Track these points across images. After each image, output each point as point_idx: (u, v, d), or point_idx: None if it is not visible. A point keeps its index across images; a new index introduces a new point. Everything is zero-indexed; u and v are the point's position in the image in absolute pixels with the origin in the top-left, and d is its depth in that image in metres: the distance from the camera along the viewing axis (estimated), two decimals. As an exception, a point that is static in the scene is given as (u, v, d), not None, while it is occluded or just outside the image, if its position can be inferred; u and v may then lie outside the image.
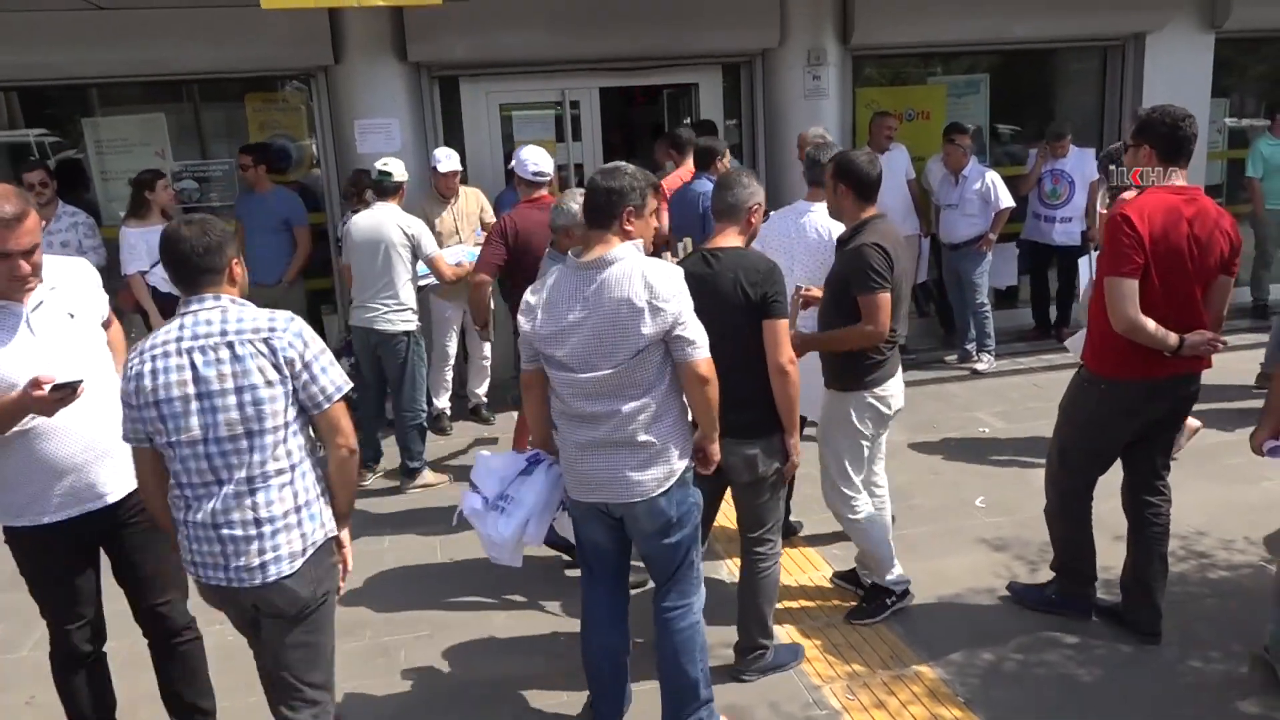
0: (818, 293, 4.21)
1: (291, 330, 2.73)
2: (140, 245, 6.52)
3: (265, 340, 2.69)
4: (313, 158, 7.83)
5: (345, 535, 2.97)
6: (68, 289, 3.07)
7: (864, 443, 4.05)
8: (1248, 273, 9.06)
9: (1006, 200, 7.61)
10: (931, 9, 7.89)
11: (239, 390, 2.66)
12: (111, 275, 7.10)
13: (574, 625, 4.29)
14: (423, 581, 4.77)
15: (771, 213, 4.87)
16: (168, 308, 6.69)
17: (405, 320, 5.79)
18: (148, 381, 2.68)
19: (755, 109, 8.28)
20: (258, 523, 2.73)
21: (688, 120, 8.73)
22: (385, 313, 5.73)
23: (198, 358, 2.67)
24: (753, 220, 3.64)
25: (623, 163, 3.25)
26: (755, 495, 3.68)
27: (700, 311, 3.50)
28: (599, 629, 3.44)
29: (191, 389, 2.66)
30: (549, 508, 3.47)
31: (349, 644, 4.25)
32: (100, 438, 3.03)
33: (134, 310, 6.78)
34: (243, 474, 2.71)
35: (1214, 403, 6.39)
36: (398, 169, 5.84)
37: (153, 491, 2.87)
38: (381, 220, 5.70)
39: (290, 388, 2.72)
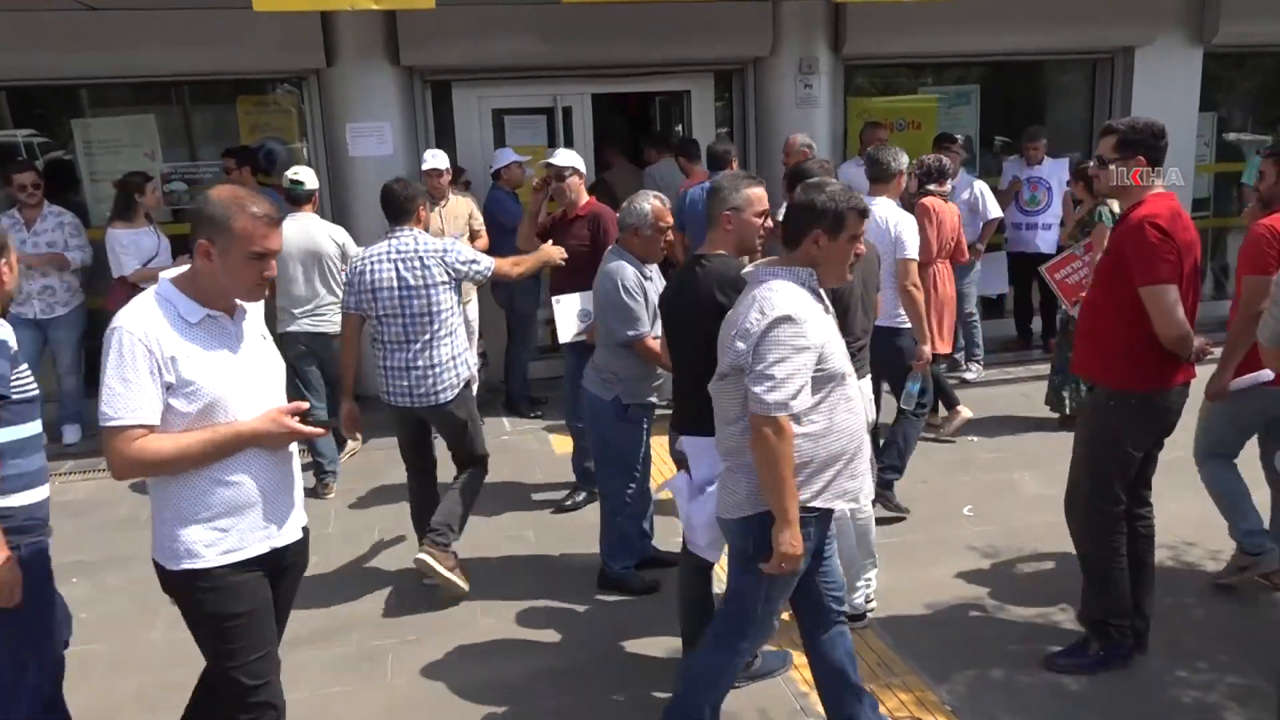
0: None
1: (456, 249, 4.42)
2: (132, 247, 6.49)
3: (443, 257, 4.34)
4: (305, 162, 7.81)
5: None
6: (256, 310, 2.81)
7: None
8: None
9: (995, 210, 7.66)
10: (923, 20, 7.91)
11: (426, 287, 4.31)
12: (98, 277, 7.08)
13: (561, 629, 4.30)
14: (409, 585, 4.75)
15: None
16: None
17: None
18: (367, 276, 4.35)
19: (747, 117, 8.30)
20: (432, 367, 4.38)
21: (678, 127, 8.77)
22: (331, 315, 5.80)
23: (400, 265, 4.32)
24: (727, 227, 3.54)
25: (829, 179, 3.15)
26: None
27: (679, 319, 3.56)
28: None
29: (396, 284, 4.32)
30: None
31: (336, 649, 4.23)
32: (285, 467, 2.78)
33: (123, 311, 6.73)
34: (426, 337, 4.36)
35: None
36: (309, 178, 5.89)
37: (354, 343, 4.54)
38: (311, 231, 5.81)
39: (454, 285, 4.38)
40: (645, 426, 4.50)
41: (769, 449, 2.83)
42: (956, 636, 4.13)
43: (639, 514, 4.66)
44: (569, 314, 5.10)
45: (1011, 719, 3.58)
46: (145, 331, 2.50)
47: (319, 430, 2.71)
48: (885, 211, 4.96)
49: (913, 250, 4.96)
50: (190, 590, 2.64)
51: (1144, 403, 3.64)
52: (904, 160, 5.13)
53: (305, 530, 2.89)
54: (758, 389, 2.81)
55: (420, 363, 4.38)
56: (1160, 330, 3.48)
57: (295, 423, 2.63)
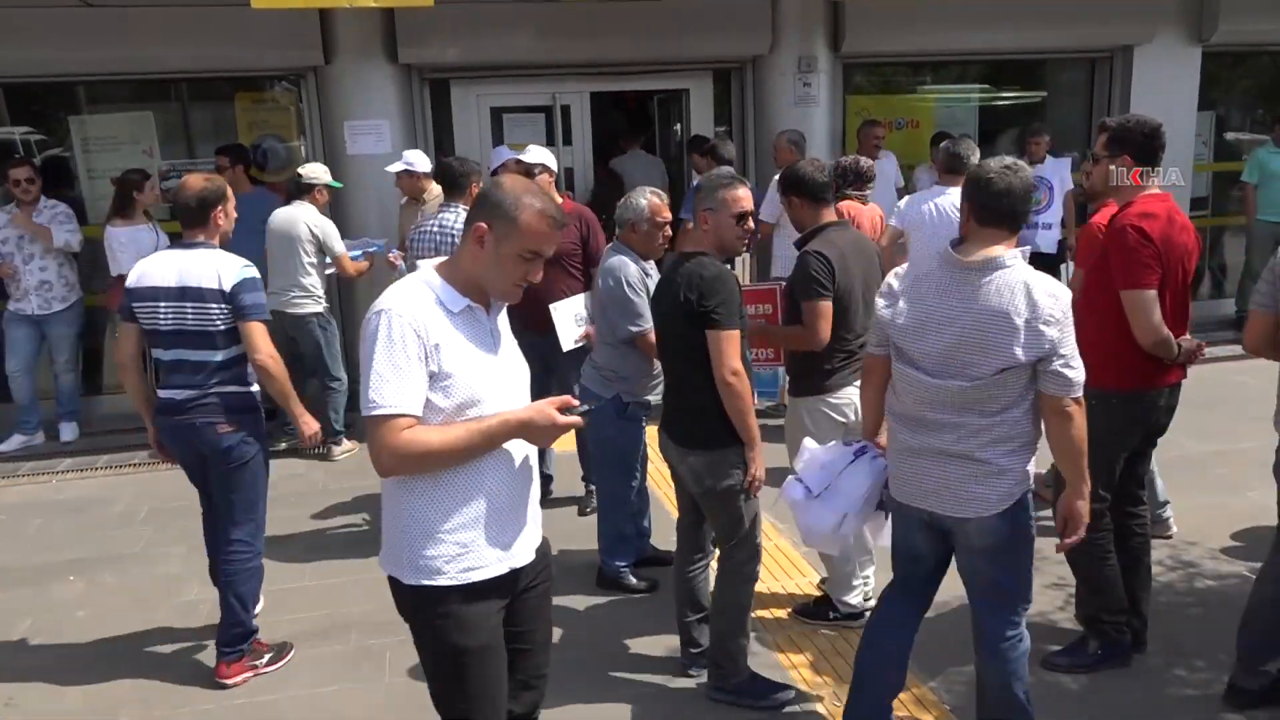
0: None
1: None
2: (130, 245, 6.48)
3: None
4: (302, 160, 7.79)
5: None
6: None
7: None
8: (1233, 284, 9.12)
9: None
10: (922, 19, 7.92)
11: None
12: (96, 274, 7.07)
13: (558, 628, 4.28)
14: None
15: (907, 195, 6.05)
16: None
17: (312, 302, 6.50)
18: (416, 246, 4.94)
19: (746, 115, 8.30)
20: None
21: (677, 125, 8.77)
22: (293, 297, 6.42)
23: (441, 237, 4.90)
24: (704, 226, 3.56)
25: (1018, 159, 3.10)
26: (709, 506, 3.61)
27: (660, 317, 3.58)
28: (885, 631, 3.29)
29: (436, 254, 4.63)
30: (869, 503, 3.28)
31: (333, 647, 4.22)
32: (526, 480, 2.56)
33: (120, 311, 6.72)
34: None
35: (1199, 411, 6.43)
36: (309, 171, 6.47)
37: None
38: (296, 217, 6.39)
39: None
40: (644, 425, 4.51)
41: (1080, 425, 2.87)
42: (954, 635, 4.11)
43: (637, 512, 4.66)
44: (567, 319, 5.08)
45: (1010, 718, 3.57)
46: (414, 315, 2.30)
47: (580, 421, 2.47)
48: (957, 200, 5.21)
49: None
50: (427, 612, 2.45)
51: (1127, 402, 3.63)
52: (977, 154, 5.47)
53: (543, 547, 2.67)
54: (1071, 372, 2.81)
55: None
56: (1138, 335, 3.48)
57: (559, 413, 2.40)
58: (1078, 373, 2.82)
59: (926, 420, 2.96)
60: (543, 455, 5.70)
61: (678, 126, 8.76)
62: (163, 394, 3.88)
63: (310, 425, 4.09)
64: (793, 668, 3.92)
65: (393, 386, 2.26)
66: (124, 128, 7.57)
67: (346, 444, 6.66)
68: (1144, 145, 3.56)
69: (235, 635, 3.94)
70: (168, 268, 3.81)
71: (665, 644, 4.08)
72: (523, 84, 7.99)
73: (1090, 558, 3.78)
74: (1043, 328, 2.76)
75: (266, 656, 4.06)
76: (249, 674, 3.98)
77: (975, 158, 5.27)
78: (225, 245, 3.94)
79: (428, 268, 2.45)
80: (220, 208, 3.89)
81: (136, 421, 7.22)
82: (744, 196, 3.53)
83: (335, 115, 7.40)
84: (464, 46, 7.39)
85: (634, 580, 4.58)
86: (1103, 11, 8.25)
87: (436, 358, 2.31)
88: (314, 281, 6.45)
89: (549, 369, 5.42)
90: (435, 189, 6.46)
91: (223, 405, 3.81)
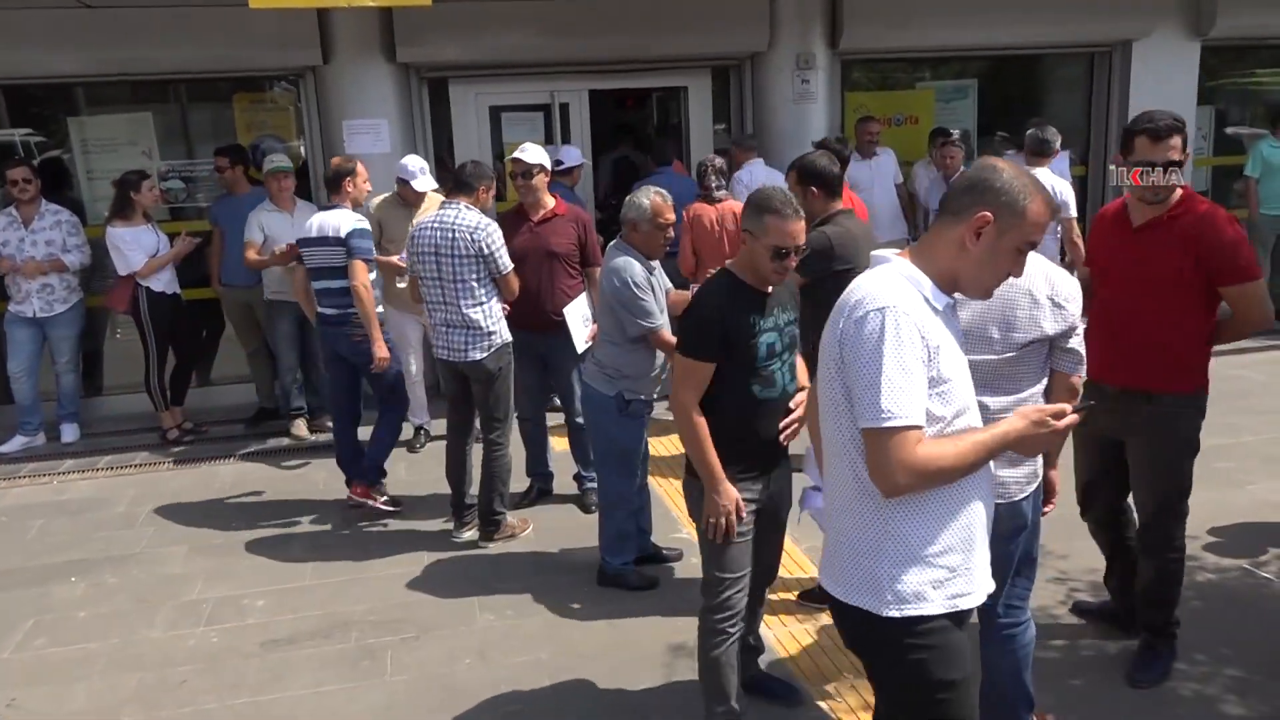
0: None
1: (485, 231, 4.79)
2: (135, 243, 6.49)
3: (471, 234, 4.77)
4: (300, 159, 7.79)
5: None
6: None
7: None
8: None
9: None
10: (920, 14, 7.92)
11: (453, 256, 4.80)
12: (97, 275, 7.08)
13: (560, 626, 4.30)
14: (407, 581, 4.76)
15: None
16: (162, 305, 6.64)
17: (275, 293, 6.83)
18: (416, 241, 4.89)
19: (744, 112, 8.30)
20: (467, 328, 4.88)
21: (676, 123, 8.76)
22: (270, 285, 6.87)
23: (439, 234, 4.81)
24: (742, 244, 3.56)
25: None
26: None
27: None
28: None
29: (435, 250, 4.82)
30: None
31: (335, 646, 4.23)
32: (994, 488, 2.37)
33: (125, 311, 6.73)
34: (456, 301, 4.85)
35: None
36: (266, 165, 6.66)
37: (418, 301, 5.10)
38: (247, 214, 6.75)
39: (480, 261, 4.80)
40: (646, 422, 4.51)
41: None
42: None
43: (638, 510, 4.66)
44: (576, 320, 5.10)
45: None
46: (917, 314, 2.07)
47: (1076, 419, 2.21)
48: (1051, 179, 6.25)
49: (1073, 209, 6.52)
50: (905, 643, 2.17)
51: (1205, 399, 3.61)
52: (1059, 139, 6.65)
53: None
54: (1082, 348, 2.91)
55: (455, 322, 4.88)
56: (1258, 322, 3.45)
57: (1059, 422, 2.16)
58: (1083, 348, 2.91)
59: None
60: (542, 453, 5.70)
61: (677, 124, 8.76)
62: (320, 310, 5.36)
63: (382, 351, 5.24)
64: (794, 661, 3.93)
65: (907, 395, 2.03)
66: (123, 129, 7.56)
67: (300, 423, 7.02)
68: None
69: (375, 468, 5.54)
70: (315, 223, 5.26)
71: (666, 641, 4.09)
72: (521, 82, 7.99)
73: (1179, 563, 3.73)
74: (1064, 304, 2.84)
75: (385, 497, 5.55)
76: (370, 501, 5.49)
77: (1058, 143, 6.22)
78: (355, 207, 5.34)
79: (901, 259, 2.20)
80: (350, 180, 5.30)
81: (137, 422, 7.30)
82: (791, 231, 3.09)
83: (334, 115, 7.40)
84: (462, 45, 7.39)
85: (635, 578, 4.58)
86: (1101, 6, 8.25)
87: (936, 362, 2.09)
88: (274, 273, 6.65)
89: (547, 366, 5.44)
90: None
91: (356, 319, 5.22)
